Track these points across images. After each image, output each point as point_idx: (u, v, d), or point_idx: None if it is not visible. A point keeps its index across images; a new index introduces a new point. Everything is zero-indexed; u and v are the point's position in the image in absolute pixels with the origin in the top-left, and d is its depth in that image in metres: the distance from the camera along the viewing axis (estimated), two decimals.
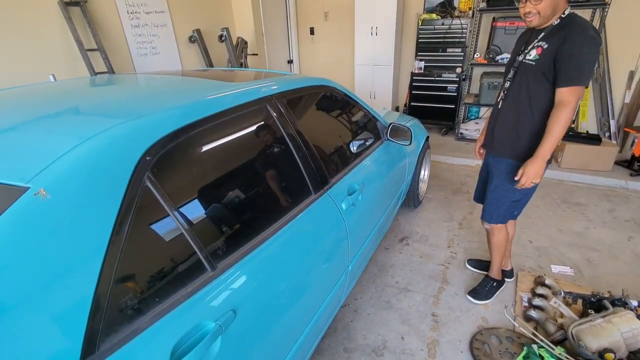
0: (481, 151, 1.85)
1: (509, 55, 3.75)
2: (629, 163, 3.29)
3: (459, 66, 4.17)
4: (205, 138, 1.01)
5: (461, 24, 3.97)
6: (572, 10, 1.36)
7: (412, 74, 4.43)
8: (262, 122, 1.22)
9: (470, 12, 3.98)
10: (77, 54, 2.98)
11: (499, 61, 3.80)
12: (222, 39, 3.78)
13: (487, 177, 1.78)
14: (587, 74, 1.28)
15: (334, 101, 1.79)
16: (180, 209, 0.86)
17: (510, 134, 1.53)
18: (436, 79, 4.28)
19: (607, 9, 3.29)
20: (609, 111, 3.69)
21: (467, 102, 4.23)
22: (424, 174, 2.96)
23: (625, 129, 3.57)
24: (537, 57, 1.37)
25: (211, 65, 3.95)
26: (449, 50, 4.16)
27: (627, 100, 3.62)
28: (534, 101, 1.43)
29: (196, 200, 0.94)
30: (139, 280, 0.75)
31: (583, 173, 3.28)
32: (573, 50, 1.26)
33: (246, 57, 4.19)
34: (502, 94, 1.56)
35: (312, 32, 5.32)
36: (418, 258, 2.35)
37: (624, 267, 2.20)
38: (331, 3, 4.97)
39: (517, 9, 3.78)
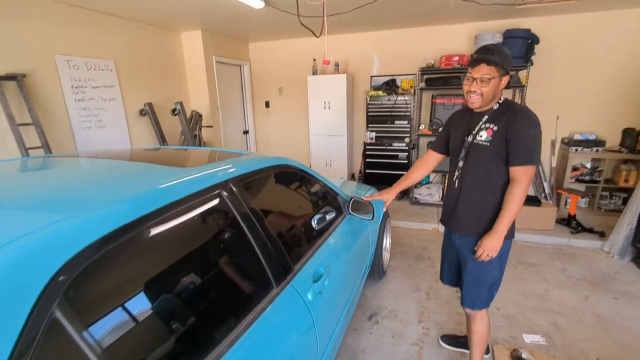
0: (384, 200, 1.88)
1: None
2: (568, 221, 3.56)
3: (407, 136, 4.49)
4: (145, 240, 0.85)
5: (405, 100, 4.37)
6: (505, 97, 1.50)
7: (365, 144, 4.66)
8: (217, 212, 1.09)
9: (412, 90, 4.43)
10: (6, 128, 2.70)
11: None
12: (176, 112, 3.72)
13: (454, 258, 1.72)
14: (537, 154, 1.38)
15: (293, 180, 1.72)
16: (103, 341, 0.65)
17: (476, 213, 1.53)
18: (387, 148, 4.54)
19: (525, 90, 3.86)
20: (541, 175, 4.09)
21: None
22: (387, 242, 2.92)
23: (558, 191, 3.95)
24: (490, 138, 1.43)
25: (163, 138, 3.82)
26: (396, 122, 4.50)
27: (554, 164, 4.08)
28: (493, 178, 1.46)
29: (128, 321, 0.75)
30: None
31: (531, 232, 3.46)
32: (521, 132, 1.36)
33: (200, 130, 4.13)
34: (457, 173, 1.56)
35: (267, 105, 5.53)
36: (390, 338, 2.16)
37: (589, 330, 2.20)
38: (285, 80, 5.29)
39: (451, 88, 4.20)
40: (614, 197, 3.89)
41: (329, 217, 1.81)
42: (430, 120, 4.31)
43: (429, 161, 1.81)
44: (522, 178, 1.38)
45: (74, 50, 3.14)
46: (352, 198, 1.98)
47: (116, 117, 3.56)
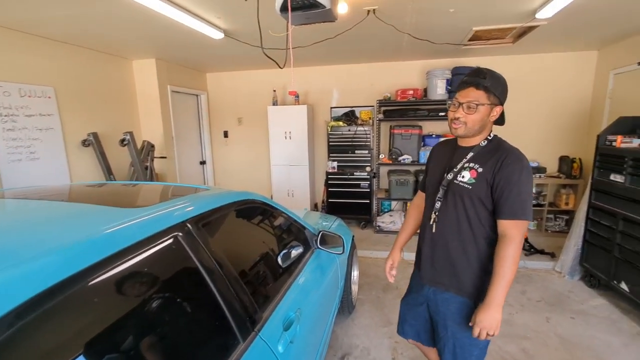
0: (393, 272, 1.56)
1: (409, 157, 4.42)
2: None
3: (368, 165, 4.56)
4: (83, 301, 0.68)
5: (365, 130, 4.49)
6: (495, 134, 1.30)
7: (327, 173, 4.65)
8: (172, 260, 0.93)
9: (371, 121, 4.57)
10: None
11: (402, 161, 4.29)
12: (125, 142, 3.44)
13: (424, 312, 1.45)
14: (530, 207, 1.18)
15: (258, 216, 1.60)
16: None
17: (456, 266, 1.30)
18: (349, 177, 4.57)
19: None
20: None
21: (380, 197, 4.52)
22: (355, 275, 2.82)
23: None
24: (473, 180, 1.23)
25: (109, 171, 3.49)
26: (357, 151, 4.58)
27: None
28: (475, 227, 1.25)
29: None
30: None
31: None
32: (512, 179, 1.16)
33: (152, 161, 3.85)
34: (433, 215, 1.34)
35: (226, 135, 5.37)
36: None
37: (555, 354, 2.23)
38: (245, 110, 5.21)
39: (408, 119, 4.34)
40: (557, 219, 4.20)
41: (297, 253, 1.69)
42: (390, 150, 4.44)
43: (421, 204, 1.52)
44: (514, 234, 1.16)
45: (5, 76, 2.82)
46: (320, 231, 1.89)
47: (53, 148, 3.20)
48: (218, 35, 3.00)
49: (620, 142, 2.67)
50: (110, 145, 3.62)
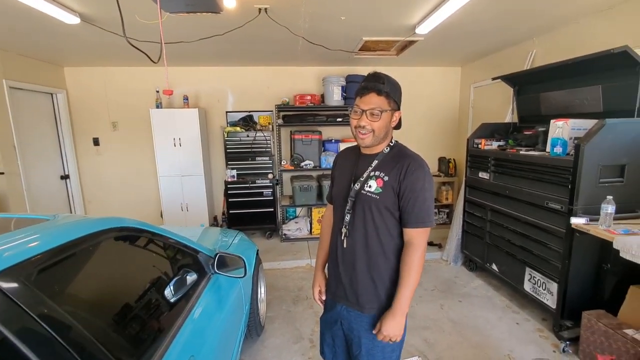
0: (323, 297, 1.45)
1: (311, 162, 4.41)
2: None
3: (270, 172, 4.38)
4: None
5: (264, 136, 4.29)
6: (396, 140, 1.28)
7: (226, 182, 4.28)
8: None
9: (271, 127, 4.40)
10: None
11: (304, 167, 4.24)
12: None
13: (339, 331, 1.34)
14: (432, 213, 1.19)
15: (131, 247, 1.24)
16: None
17: (365, 283, 1.24)
18: (251, 185, 4.29)
19: None
20: None
21: (284, 204, 4.38)
22: (262, 292, 2.59)
23: None
24: (380, 189, 1.18)
25: None
26: (257, 158, 4.35)
27: None
28: (384, 240, 1.21)
29: None
30: None
31: None
32: (416, 186, 1.15)
33: None
34: (344, 229, 1.26)
35: (96, 142, 4.46)
36: None
37: (450, 337, 2.43)
38: (121, 113, 4.42)
39: (307, 124, 4.31)
40: (441, 213, 4.77)
41: (186, 286, 1.39)
42: (292, 156, 4.35)
43: (332, 216, 1.40)
44: (419, 242, 1.16)
45: None
46: (217, 254, 1.61)
47: None
48: (72, 19, 2.40)
49: (484, 144, 3.12)
50: None
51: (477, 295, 3.03)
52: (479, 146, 3.16)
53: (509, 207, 2.80)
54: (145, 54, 2.30)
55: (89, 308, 0.94)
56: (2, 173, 3.20)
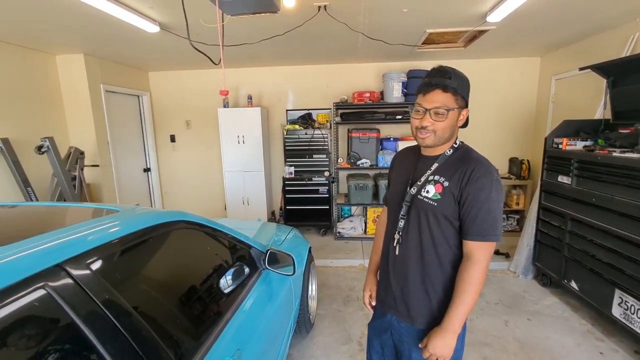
0: (373, 303, 1.39)
1: (368, 160, 4.33)
2: None
3: (327, 170, 4.40)
4: None
5: (322, 134, 4.32)
6: (462, 140, 1.16)
7: (284, 179, 4.42)
8: (37, 327, 0.66)
9: (328, 124, 4.42)
10: None
11: (360, 165, 4.18)
12: (43, 150, 2.96)
13: (389, 340, 1.28)
14: (500, 226, 1.06)
15: (191, 240, 1.33)
16: None
17: (418, 294, 1.15)
18: (307, 182, 4.37)
19: None
20: None
21: (339, 202, 4.38)
22: (313, 289, 2.63)
23: None
24: (439, 196, 1.08)
25: (25, 182, 2.98)
26: (315, 156, 4.40)
27: None
28: (440, 251, 1.10)
29: None
30: None
31: None
32: (481, 195, 1.03)
33: (82, 170, 3.38)
34: (397, 236, 1.18)
35: (172, 139, 4.94)
36: None
37: (515, 359, 2.20)
38: (193, 112, 4.83)
39: (365, 122, 4.23)
40: (509, 219, 4.33)
41: (240, 277, 1.46)
42: (348, 154, 4.32)
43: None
44: (480, 257, 1.03)
45: None
46: (268, 250, 1.67)
47: None
48: (153, 28, 2.67)
49: (566, 144, 2.74)
50: (28, 153, 3.11)
51: (550, 314, 2.69)
52: (560, 146, 2.79)
53: (595, 218, 2.42)
54: (208, 57, 2.46)
55: (144, 301, 1.04)
56: (98, 165, 3.72)
